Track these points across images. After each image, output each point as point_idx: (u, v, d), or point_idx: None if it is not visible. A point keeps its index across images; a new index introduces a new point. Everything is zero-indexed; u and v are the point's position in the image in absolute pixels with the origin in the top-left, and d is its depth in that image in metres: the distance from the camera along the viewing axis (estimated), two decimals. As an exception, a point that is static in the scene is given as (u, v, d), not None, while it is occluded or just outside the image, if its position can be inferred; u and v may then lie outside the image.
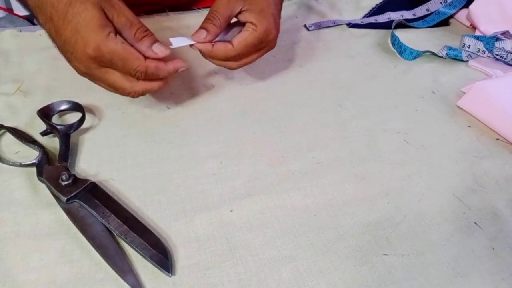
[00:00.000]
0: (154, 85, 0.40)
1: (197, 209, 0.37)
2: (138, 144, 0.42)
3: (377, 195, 0.38)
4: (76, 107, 0.44)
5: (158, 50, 0.39)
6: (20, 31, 0.56)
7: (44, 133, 0.41)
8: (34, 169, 0.38)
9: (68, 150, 0.39)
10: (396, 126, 0.46)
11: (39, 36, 0.56)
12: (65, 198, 0.35)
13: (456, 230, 0.36)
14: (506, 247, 0.35)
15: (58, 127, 0.41)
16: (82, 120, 0.42)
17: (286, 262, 0.33)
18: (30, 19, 0.90)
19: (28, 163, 0.38)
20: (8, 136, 0.41)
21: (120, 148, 0.42)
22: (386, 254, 0.34)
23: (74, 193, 0.35)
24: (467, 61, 0.56)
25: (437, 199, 0.38)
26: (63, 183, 0.35)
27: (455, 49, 0.56)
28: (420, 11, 0.65)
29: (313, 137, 0.44)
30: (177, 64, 0.40)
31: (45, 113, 0.43)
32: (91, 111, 0.45)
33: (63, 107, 0.44)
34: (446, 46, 0.56)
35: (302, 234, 0.35)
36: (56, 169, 0.37)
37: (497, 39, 0.55)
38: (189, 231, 0.35)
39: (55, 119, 0.43)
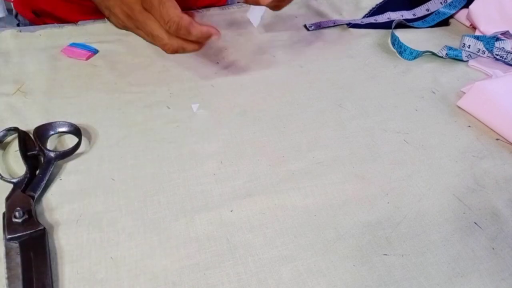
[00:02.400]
0: (188, 46, 0.40)
1: (197, 209, 0.37)
2: (138, 144, 0.42)
3: (377, 195, 0.38)
4: (75, 131, 0.42)
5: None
6: (20, 31, 0.56)
7: (31, 155, 0.39)
8: (11, 187, 0.36)
9: (43, 180, 0.37)
10: (396, 126, 0.46)
11: (39, 36, 0.56)
12: (7, 236, 0.33)
13: (456, 230, 0.36)
14: (506, 247, 0.35)
15: (45, 152, 0.39)
16: (74, 148, 0.40)
17: (286, 262, 0.33)
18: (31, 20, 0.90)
19: (7, 178, 0.37)
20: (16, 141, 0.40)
21: (120, 148, 0.42)
22: (386, 254, 0.34)
23: (17, 235, 0.33)
24: (467, 61, 0.56)
25: (437, 199, 0.38)
26: (13, 220, 0.33)
27: (455, 49, 0.56)
28: (420, 11, 0.65)
29: (313, 137, 0.44)
30: (211, 30, 0.40)
31: (41, 132, 0.41)
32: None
33: (62, 129, 0.42)
34: (446, 46, 0.56)
35: (302, 234, 0.35)
36: (22, 198, 0.35)
37: (497, 39, 0.55)
38: (189, 231, 0.35)
39: (53, 139, 0.42)
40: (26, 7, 0.64)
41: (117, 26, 0.43)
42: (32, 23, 0.66)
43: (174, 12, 0.38)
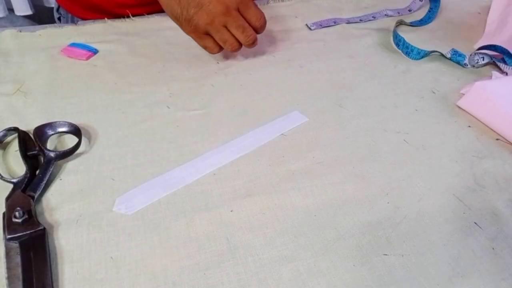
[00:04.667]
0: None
1: (197, 209, 0.37)
2: (138, 144, 0.42)
3: (377, 195, 0.38)
4: (75, 131, 0.42)
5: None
6: (20, 31, 0.56)
7: (31, 155, 0.39)
8: (11, 187, 0.36)
9: (43, 180, 0.37)
10: (396, 126, 0.46)
11: (39, 36, 0.56)
12: (7, 236, 0.33)
13: (456, 230, 0.36)
14: (506, 247, 0.35)
15: (45, 152, 0.39)
16: (74, 148, 0.40)
17: (286, 262, 0.33)
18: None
19: (7, 178, 0.37)
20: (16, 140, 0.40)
21: (120, 148, 0.42)
22: (386, 254, 0.34)
23: (17, 235, 0.33)
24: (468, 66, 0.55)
25: (437, 199, 0.38)
26: (13, 220, 0.33)
27: (460, 54, 0.55)
28: (414, 5, 0.66)
29: (313, 137, 0.44)
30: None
31: (41, 132, 0.41)
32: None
33: (62, 129, 0.42)
34: (452, 49, 0.55)
35: (302, 234, 0.35)
36: (22, 198, 0.35)
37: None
38: (189, 231, 0.35)
39: (52, 139, 0.42)
40: (74, 3, 0.64)
41: (192, 29, 0.49)
42: (79, 18, 0.65)
43: (263, 14, 0.50)
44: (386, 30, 0.62)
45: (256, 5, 0.49)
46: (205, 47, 0.51)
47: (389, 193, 0.39)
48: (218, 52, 0.51)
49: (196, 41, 0.50)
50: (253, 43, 0.50)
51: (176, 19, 0.49)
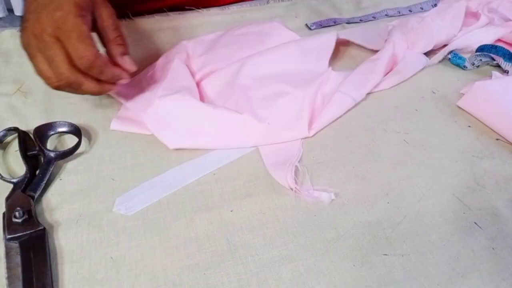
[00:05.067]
0: (88, 83, 0.38)
1: (197, 209, 0.37)
2: (138, 144, 0.42)
3: (377, 195, 0.38)
4: (75, 131, 0.41)
5: (128, 61, 0.40)
6: (20, 31, 0.56)
7: (31, 155, 0.39)
8: (11, 187, 0.36)
9: (43, 180, 0.37)
10: (396, 126, 0.46)
11: (39, 36, 0.55)
12: (7, 236, 0.33)
13: (456, 230, 0.36)
14: (506, 247, 0.35)
15: (45, 152, 0.39)
16: (74, 148, 0.40)
17: (286, 262, 0.33)
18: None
19: (7, 178, 0.37)
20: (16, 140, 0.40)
21: (120, 148, 0.41)
22: (386, 254, 0.34)
23: (17, 235, 0.33)
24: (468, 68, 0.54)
25: (437, 199, 0.38)
26: (13, 220, 0.33)
27: (460, 57, 0.54)
28: (415, 8, 0.66)
29: (313, 137, 0.44)
30: (123, 74, 0.40)
31: (41, 132, 0.41)
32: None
33: (62, 129, 0.42)
34: (453, 52, 0.55)
35: (302, 234, 0.35)
36: (22, 198, 0.35)
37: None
38: (189, 231, 0.35)
39: (52, 139, 0.42)
40: None
41: (23, 44, 0.38)
42: None
43: (91, 50, 0.37)
44: (386, 30, 0.62)
45: (83, 39, 0.36)
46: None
47: (389, 193, 0.39)
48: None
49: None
50: (63, 86, 0.38)
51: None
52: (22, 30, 0.38)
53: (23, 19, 0.38)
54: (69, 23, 0.36)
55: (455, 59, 0.54)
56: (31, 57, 0.38)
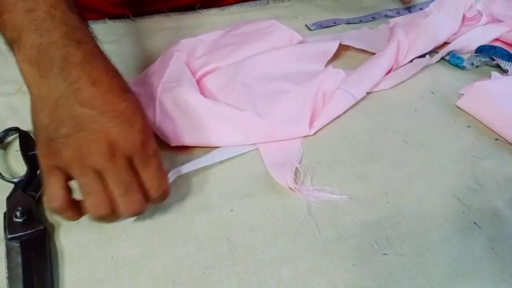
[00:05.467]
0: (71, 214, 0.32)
1: (197, 208, 0.37)
2: (138, 144, 0.42)
3: (377, 195, 0.38)
4: None
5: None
6: (21, 31, 0.56)
7: (32, 155, 0.39)
8: (11, 187, 0.36)
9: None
10: (396, 126, 0.46)
11: (39, 37, 0.55)
12: (8, 236, 0.33)
13: (456, 230, 0.36)
14: (506, 247, 0.35)
15: None
16: None
17: (286, 262, 0.33)
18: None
19: (8, 178, 0.37)
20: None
21: (120, 148, 0.41)
22: (386, 254, 0.34)
23: (17, 235, 0.33)
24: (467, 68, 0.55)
25: (437, 199, 0.38)
26: (14, 220, 0.33)
27: (458, 57, 0.55)
28: (414, 8, 0.66)
29: (313, 137, 0.44)
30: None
31: None
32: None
33: None
34: (451, 52, 0.55)
35: (302, 234, 0.35)
36: (23, 198, 0.35)
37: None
38: (189, 230, 0.35)
39: None
40: None
41: (48, 155, 0.30)
42: None
43: (167, 180, 0.33)
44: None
45: (161, 166, 0.32)
46: (44, 190, 0.31)
47: (389, 193, 0.39)
48: (59, 207, 0.31)
49: (42, 174, 0.31)
50: (134, 214, 0.32)
51: (37, 131, 0.31)
52: (70, 137, 0.29)
53: (69, 121, 0.30)
54: (152, 145, 0.31)
55: (453, 60, 0.54)
56: (82, 176, 0.30)
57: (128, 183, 0.30)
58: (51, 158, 0.30)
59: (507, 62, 0.52)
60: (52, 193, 0.30)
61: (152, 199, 0.32)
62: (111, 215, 0.31)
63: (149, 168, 0.31)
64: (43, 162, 0.31)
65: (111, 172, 0.30)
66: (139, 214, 0.32)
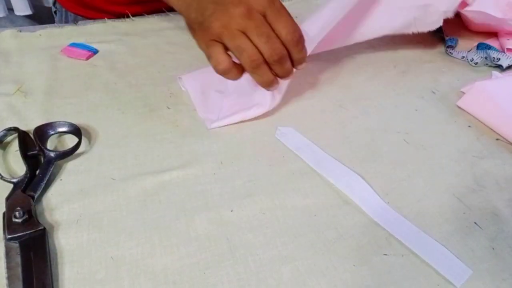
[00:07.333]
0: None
1: (197, 208, 0.37)
2: (138, 144, 0.42)
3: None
4: (75, 131, 0.41)
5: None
6: (20, 31, 0.56)
7: (31, 155, 0.39)
8: (11, 187, 0.36)
9: (43, 180, 0.37)
10: (396, 126, 0.46)
11: (39, 36, 0.56)
12: (7, 236, 0.33)
13: (456, 230, 0.36)
14: (506, 247, 0.35)
15: (45, 152, 0.39)
16: (74, 148, 0.40)
17: (286, 262, 0.33)
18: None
19: (7, 178, 0.37)
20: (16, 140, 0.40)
21: (120, 148, 0.42)
22: (386, 254, 0.34)
23: (17, 235, 0.33)
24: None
25: (437, 199, 0.38)
26: (14, 220, 0.33)
27: (452, 39, 0.55)
28: None
29: (314, 137, 0.44)
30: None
31: (41, 132, 0.40)
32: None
33: (62, 129, 0.42)
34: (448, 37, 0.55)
35: (302, 234, 0.35)
36: (22, 198, 0.35)
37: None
38: (189, 230, 0.35)
39: (52, 139, 0.41)
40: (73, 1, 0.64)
41: (202, 34, 0.39)
42: (74, 14, 0.66)
43: (298, 27, 0.39)
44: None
45: (290, 15, 0.39)
46: (209, 57, 0.39)
47: (389, 193, 0.39)
48: (226, 68, 0.39)
49: (203, 50, 0.40)
50: (280, 60, 0.39)
51: (190, 26, 0.41)
52: (213, 14, 0.38)
53: (210, 4, 0.38)
54: (278, 1, 0.39)
55: (449, 41, 0.55)
56: (232, 39, 0.37)
57: (268, 33, 0.38)
58: (207, 35, 0.38)
59: (503, 54, 0.52)
60: (217, 59, 0.38)
61: (288, 43, 0.39)
62: (264, 63, 0.38)
63: (281, 17, 0.39)
64: (203, 41, 0.39)
65: (252, 27, 0.37)
66: (282, 58, 0.39)
